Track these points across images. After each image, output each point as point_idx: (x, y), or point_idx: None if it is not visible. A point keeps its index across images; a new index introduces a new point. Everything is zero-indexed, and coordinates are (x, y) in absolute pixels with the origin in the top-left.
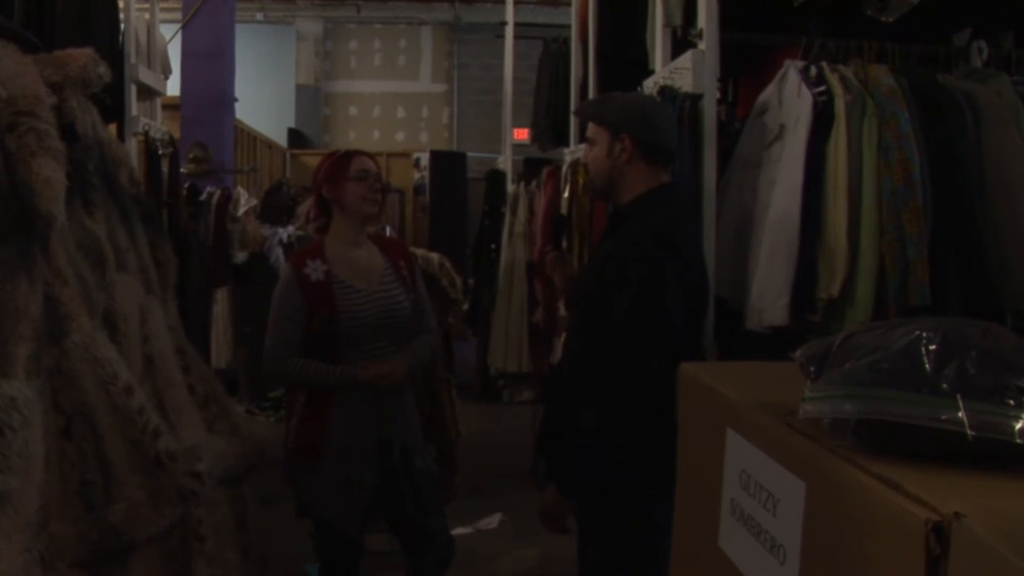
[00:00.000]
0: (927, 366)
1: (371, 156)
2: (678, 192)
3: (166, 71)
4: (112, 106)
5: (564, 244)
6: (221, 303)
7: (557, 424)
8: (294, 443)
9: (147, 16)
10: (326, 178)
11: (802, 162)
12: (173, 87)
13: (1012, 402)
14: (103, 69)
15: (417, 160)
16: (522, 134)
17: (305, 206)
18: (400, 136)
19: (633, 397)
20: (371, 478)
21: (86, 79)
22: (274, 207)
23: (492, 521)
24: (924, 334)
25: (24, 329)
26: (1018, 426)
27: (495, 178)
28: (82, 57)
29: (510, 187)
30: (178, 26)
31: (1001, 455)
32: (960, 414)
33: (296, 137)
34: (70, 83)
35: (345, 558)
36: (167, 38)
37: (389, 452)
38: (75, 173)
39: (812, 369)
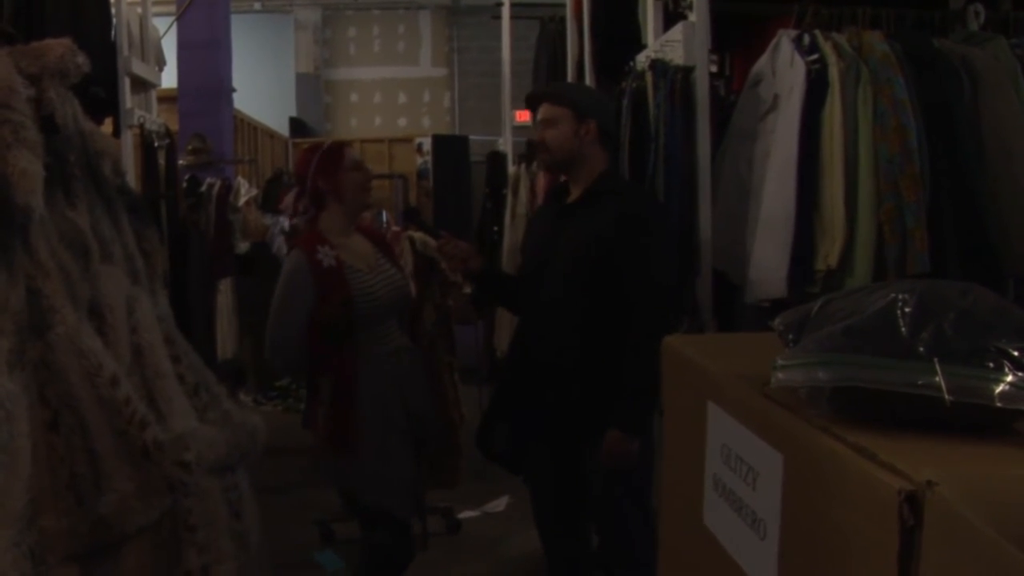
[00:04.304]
0: (903, 329)
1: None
2: None
3: (160, 63)
4: (106, 99)
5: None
6: (225, 294)
7: (576, 381)
8: (328, 432)
9: (139, 9)
10: (320, 170)
11: (797, 132)
12: (168, 79)
13: (991, 364)
14: (81, 59)
15: (420, 145)
16: (523, 115)
17: (289, 198)
18: (402, 121)
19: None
20: (411, 452)
21: (64, 70)
22: (275, 196)
23: (499, 504)
24: (900, 296)
25: (5, 323)
26: (998, 389)
27: (496, 160)
28: (59, 47)
29: (511, 169)
30: (172, 18)
31: (980, 420)
32: (937, 378)
33: (298, 126)
34: (48, 74)
35: (400, 547)
36: (162, 30)
37: (417, 424)
38: (56, 165)
39: (791, 337)
